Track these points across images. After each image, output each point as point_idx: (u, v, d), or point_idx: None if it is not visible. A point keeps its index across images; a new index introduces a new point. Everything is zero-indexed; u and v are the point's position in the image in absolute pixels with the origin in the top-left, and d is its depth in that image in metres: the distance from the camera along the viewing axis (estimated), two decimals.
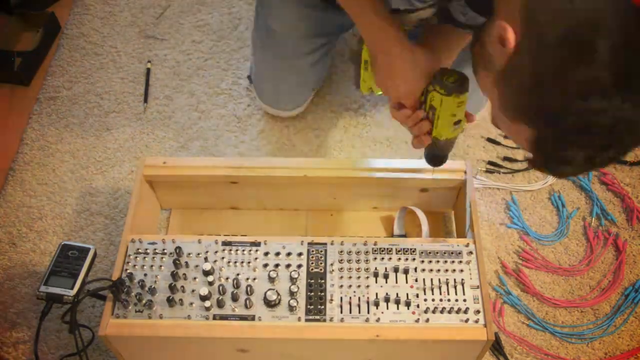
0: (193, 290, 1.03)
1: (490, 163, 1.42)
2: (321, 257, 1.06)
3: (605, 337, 1.20)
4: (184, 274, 1.04)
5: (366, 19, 1.01)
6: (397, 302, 1.02)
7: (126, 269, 1.05)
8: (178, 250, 1.06)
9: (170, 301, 1.01)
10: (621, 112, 0.68)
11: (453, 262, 1.06)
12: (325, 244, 1.08)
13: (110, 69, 1.61)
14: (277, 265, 1.05)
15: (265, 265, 1.05)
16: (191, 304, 1.02)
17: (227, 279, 1.04)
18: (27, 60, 1.58)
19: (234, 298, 1.02)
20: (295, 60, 1.36)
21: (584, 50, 0.68)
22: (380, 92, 1.09)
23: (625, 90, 0.68)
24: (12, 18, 1.65)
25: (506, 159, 1.43)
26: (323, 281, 1.04)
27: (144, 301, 1.02)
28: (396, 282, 1.04)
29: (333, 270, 1.05)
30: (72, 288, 1.04)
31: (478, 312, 1.01)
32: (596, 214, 1.34)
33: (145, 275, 1.05)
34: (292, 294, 1.02)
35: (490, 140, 1.46)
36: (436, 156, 1.08)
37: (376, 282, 1.04)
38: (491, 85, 0.81)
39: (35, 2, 1.68)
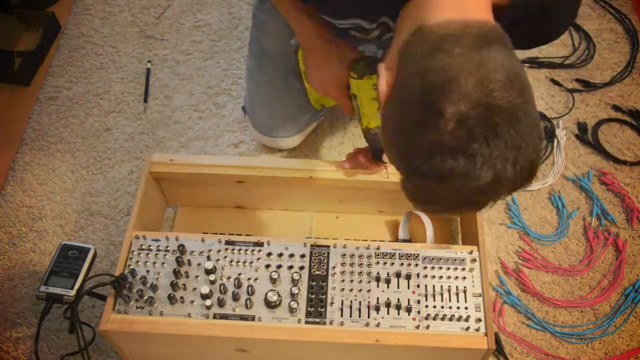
0: (194, 289, 1.03)
1: None
2: (324, 259, 1.06)
3: (605, 337, 1.20)
4: (186, 272, 1.04)
5: (290, 15, 1.08)
6: (398, 307, 1.02)
7: (129, 265, 1.05)
8: (181, 248, 1.06)
9: (171, 298, 1.01)
10: (465, 175, 0.69)
11: (456, 269, 1.06)
12: (328, 246, 1.08)
13: (110, 69, 1.61)
14: (279, 266, 1.05)
15: (268, 266, 1.05)
16: (192, 302, 1.02)
17: (228, 278, 1.04)
18: (27, 60, 1.58)
19: (235, 298, 1.02)
20: (289, 80, 1.32)
21: (432, 115, 0.68)
22: (332, 103, 1.11)
23: (468, 155, 0.68)
24: (12, 18, 1.65)
25: None
26: (324, 284, 1.04)
27: (145, 297, 1.02)
28: (398, 288, 1.04)
29: (335, 273, 1.05)
30: (72, 288, 1.04)
31: (479, 320, 1.01)
32: (596, 214, 1.35)
33: (148, 271, 1.05)
34: (293, 296, 1.02)
35: None
36: (377, 149, 1.09)
37: (378, 286, 1.04)
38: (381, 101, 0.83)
39: (35, 2, 1.68)
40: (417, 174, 0.72)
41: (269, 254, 1.07)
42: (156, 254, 1.07)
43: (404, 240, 1.26)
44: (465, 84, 0.67)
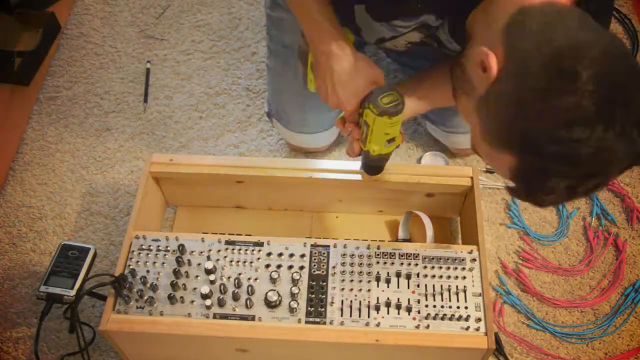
0: (194, 289, 1.03)
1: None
2: (324, 259, 1.06)
3: (605, 337, 1.20)
4: (186, 272, 1.04)
5: (306, 17, 1.00)
6: (398, 307, 1.02)
7: (129, 265, 1.05)
8: (181, 248, 1.06)
9: (171, 298, 1.01)
10: (604, 141, 0.69)
11: (456, 268, 1.06)
12: (328, 246, 1.08)
13: (110, 69, 1.61)
14: (279, 266, 1.05)
15: (268, 266, 1.05)
16: (192, 302, 1.02)
17: (228, 278, 1.04)
18: (27, 60, 1.58)
19: (235, 297, 1.02)
20: None
21: (567, 78, 0.69)
22: None
23: (608, 119, 0.68)
24: (12, 18, 1.64)
25: None
26: (324, 283, 1.04)
27: (145, 297, 1.02)
28: (398, 287, 1.04)
29: (335, 272, 1.05)
30: (72, 288, 1.04)
31: (479, 320, 1.01)
32: (596, 214, 1.35)
33: (148, 271, 1.05)
34: (293, 296, 1.02)
35: None
36: (371, 167, 1.10)
37: (378, 286, 1.04)
38: (472, 110, 0.81)
39: (35, 2, 1.67)
40: (548, 145, 0.70)
41: (269, 254, 1.07)
42: (156, 254, 1.07)
43: (404, 240, 1.26)
44: (592, 51, 0.69)
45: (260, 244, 1.08)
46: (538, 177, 0.75)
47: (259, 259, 1.06)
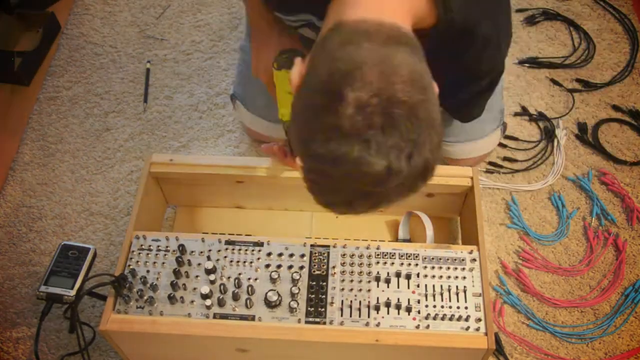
0: (194, 289, 1.03)
1: (491, 163, 1.42)
2: (324, 259, 1.06)
3: (605, 337, 1.20)
4: (186, 272, 1.04)
5: (252, 4, 1.10)
6: (398, 307, 1.02)
7: (129, 265, 1.05)
8: (181, 248, 1.06)
9: (171, 298, 1.01)
10: (359, 162, 0.70)
11: (456, 268, 1.05)
12: (328, 246, 1.08)
13: (110, 69, 1.61)
14: (279, 266, 1.05)
15: (268, 266, 1.05)
16: (192, 302, 1.02)
17: (228, 278, 1.04)
18: (27, 60, 1.58)
19: (235, 297, 1.02)
20: None
21: (333, 99, 0.70)
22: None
23: (362, 142, 0.69)
24: (12, 18, 1.65)
25: (506, 159, 1.43)
26: (324, 284, 1.04)
27: (145, 297, 1.02)
28: (398, 287, 1.04)
29: (335, 273, 1.05)
30: (72, 288, 1.04)
31: (479, 320, 1.01)
32: (596, 214, 1.35)
33: (148, 271, 1.05)
34: (293, 296, 1.02)
35: None
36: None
37: (378, 286, 1.04)
38: None
39: (35, 2, 1.68)
40: (314, 158, 0.73)
41: (269, 254, 1.07)
42: (156, 254, 1.07)
43: (404, 240, 1.26)
44: (369, 73, 0.70)
45: (260, 244, 1.08)
46: (315, 188, 0.78)
47: (259, 259, 1.06)
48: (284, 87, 1.01)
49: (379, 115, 0.69)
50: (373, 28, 0.75)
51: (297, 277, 1.04)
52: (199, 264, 1.05)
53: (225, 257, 1.06)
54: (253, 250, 1.07)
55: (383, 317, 1.01)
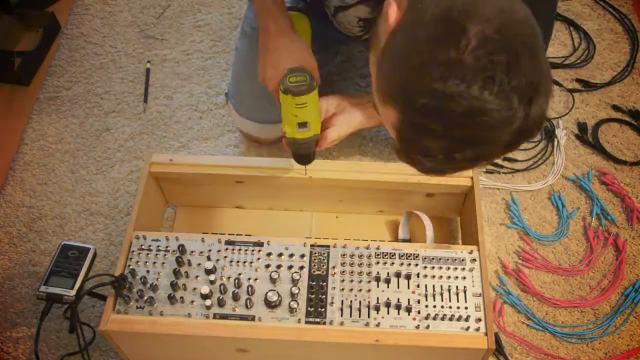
0: (194, 289, 1.03)
1: (491, 163, 1.42)
2: (324, 259, 1.06)
3: (605, 337, 1.20)
4: (186, 272, 1.04)
5: (261, 5, 1.03)
6: (398, 307, 1.02)
7: (129, 265, 1.05)
8: (181, 248, 1.06)
9: (171, 298, 1.01)
10: (478, 101, 0.64)
11: (456, 268, 1.05)
12: (328, 246, 1.08)
13: (110, 69, 1.61)
14: (279, 266, 1.05)
15: (267, 266, 1.05)
16: (192, 302, 1.02)
17: (228, 278, 1.04)
18: (27, 60, 1.58)
19: (235, 298, 1.02)
20: None
21: (453, 32, 0.65)
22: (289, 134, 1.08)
23: (485, 79, 0.64)
24: (12, 18, 1.65)
25: (506, 159, 1.43)
26: (324, 284, 1.04)
27: (145, 297, 1.02)
28: (398, 287, 1.04)
29: (335, 273, 1.05)
30: (72, 288, 1.04)
31: (479, 320, 1.00)
32: (596, 214, 1.35)
33: (148, 271, 1.05)
34: (293, 296, 1.02)
35: None
36: (293, 154, 1.09)
37: (378, 286, 1.04)
38: (373, 65, 0.79)
39: (35, 2, 1.68)
40: (427, 95, 0.66)
41: (269, 254, 1.07)
42: (156, 254, 1.07)
43: (404, 240, 1.26)
44: (487, 10, 0.65)
45: (260, 244, 1.08)
46: (414, 135, 0.71)
47: (259, 259, 1.06)
48: (290, 109, 0.99)
49: (503, 52, 0.64)
50: None
51: (297, 277, 1.04)
52: (199, 264, 1.05)
53: (225, 257, 1.06)
54: (253, 250, 1.07)
55: (383, 317, 1.01)
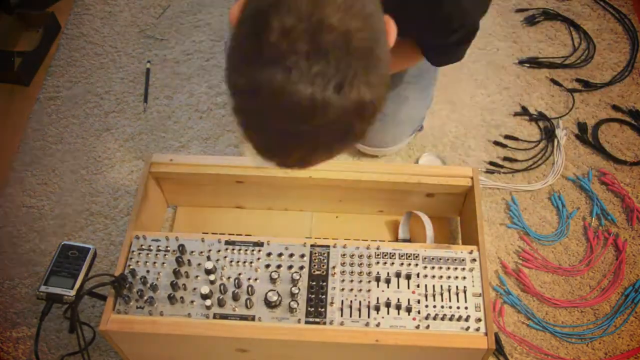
0: (194, 289, 1.03)
1: (491, 163, 1.42)
2: (324, 259, 1.06)
3: (605, 337, 1.20)
4: (186, 272, 1.04)
5: None
6: (398, 307, 1.02)
7: (129, 265, 1.05)
8: (181, 248, 1.06)
9: (171, 299, 1.01)
10: (282, 88, 0.63)
11: (456, 268, 1.05)
12: (328, 246, 1.08)
13: (110, 69, 1.61)
14: (279, 266, 1.05)
15: (267, 266, 1.05)
16: (192, 302, 1.02)
17: (228, 278, 1.04)
18: (27, 60, 1.58)
19: (235, 298, 1.02)
20: None
21: (259, 27, 0.65)
22: None
23: (285, 67, 0.63)
24: (12, 18, 1.65)
25: (506, 159, 1.43)
26: (324, 284, 1.04)
27: (145, 297, 1.02)
28: (398, 288, 1.04)
29: (335, 273, 1.05)
30: (72, 288, 1.04)
31: (479, 320, 1.01)
32: (596, 214, 1.35)
33: (148, 271, 1.05)
34: (292, 296, 1.02)
35: (490, 141, 1.46)
36: None
37: (378, 286, 1.04)
38: None
39: (35, 2, 1.68)
40: (237, 92, 0.68)
41: (269, 254, 1.07)
42: (156, 254, 1.07)
43: (404, 240, 1.26)
44: (301, 2, 0.63)
45: (260, 244, 1.08)
46: (242, 126, 0.72)
47: (258, 259, 1.06)
48: None
49: (305, 40, 0.63)
50: None
51: (297, 277, 1.04)
52: (199, 264, 1.05)
53: (225, 257, 1.06)
54: (253, 251, 1.07)
55: (383, 318, 1.01)
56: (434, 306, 1.02)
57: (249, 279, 1.04)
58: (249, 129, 0.71)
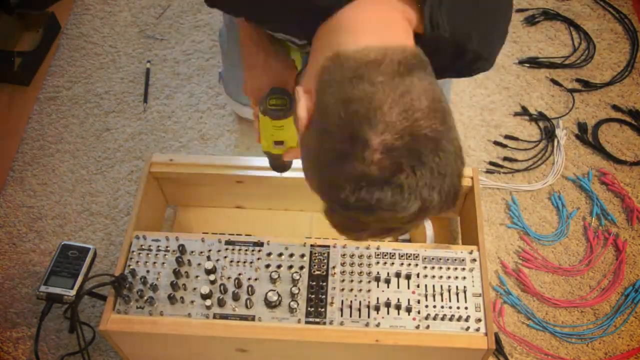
0: (195, 289, 1.03)
1: (491, 163, 1.42)
2: (324, 259, 1.06)
3: (605, 337, 1.20)
4: (186, 272, 1.04)
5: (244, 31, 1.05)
6: (398, 307, 1.02)
7: (129, 265, 1.05)
8: (181, 248, 1.06)
9: (171, 298, 1.01)
10: (392, 205, 0.67)
11: (456, 269, 1.05)
12: (328, 246, 1.08)
13: (110, 69, 1.61)
14: (279, 266, 1.05)
15: (267, 266, 1.05)
16: (192, 302, 1.02)
17: (228, 278, 1.04)
18: (27, 60, 1.58)
19: (235, 298, 1.02)
20: None
21: (357, 144, 0.67)
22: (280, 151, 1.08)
23: (394, 187, 0.67)
24: (12, 18, 1.65)
25: (506, 159, 1.43)
26: (324, 284, 1.04)
27: (145, 297, 1.02)
28: (398, 288, 1.04)
29: (335, 273, 1.05)
30: (72, 288, 1.04)
31: (479, 320, 1.01)
32: (596, 214, 1.35)
33: (148, 271, 1.05)
34: (293, 296, 1.02)
35: (490, 141, 1.46)
36: (270, 163, 1.09)
37: (378, 286, 1.04)
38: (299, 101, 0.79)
39: (35, 2, 1.68)
40: (342, 206, 0.70)
41: (269, 254, 1.07)
42: (156, 254, 1.07)
43: (404, 240, 1.26)
44: (389, 113, 0.66)
45: (260, 244, 1.08)
46: (346, 222, 0.74)
47: (259, 259, 1.06)
48: (267, 128, 1.00)
49: (407, 156, 0.66)
50: (380, 56, 0.69)
51: (297, 277, 1.04)
52: (199, 264, 1.05)
53: (225, 257, 1.06)
54: (253, 250, 1.07)
55: (383, 318, 1.01)
56: (434, 306, 1.02)
57: (249, 279, 1.04)
58: (347, 227, 0.74)
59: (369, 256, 1.06)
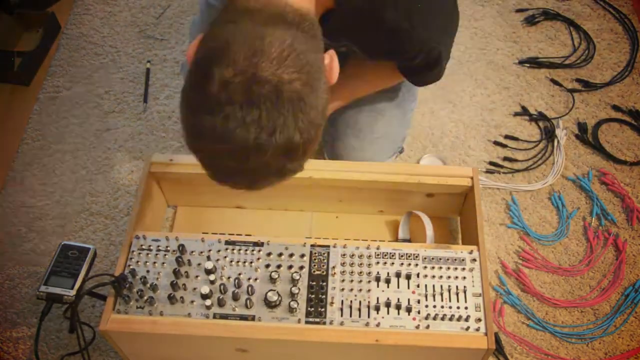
0: (194, 289, 1.03)
1: (491, 163, 1.42)
2: (324, 259, 1.06)
3: (605, 337, 1.20)
4: (186, 272, 1.04)
5: None
6: (398, 307, 1.02)
7: (129, 265, 1.05)
8: (181, 248, 1.06)
9: (171, 298, 1.01)
10: (222, 133, 0.72)
11: (456, 268, 1.05)
12: (328, 246, 1.08)
13: (110, 69, 1.61)
14: (279, 266, 1.05)
15: (267, 266, 1.05)
16: (192, 302, 1.02)
17: (228, 278, 1.04)
18: (27, 60, 1.58)
19: (235, 297, 1.02)
20: None
21: (204, 78, 0.73)
22: None
23: (225, 115, 0.72)
24: (12, 18, 1.65)
25: (506, 159, 1.43)
26: (324, 284, 1.04)
27: (145, 297, 1.02)
28: (398, 287, 1.04)
29: (335, 273, 1.05)
30: (72, 288, 1.04)
31: (479, 320, 1.01)
32: (596, 214, 1.35)
33: (148, 271, 1.05)
34: (292, 296, 1.02)
35: (490, 141, 1.46)
36: None
37: (378, 286, 1.04)
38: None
39: (35, 2, 1.68)
40: (186, 134, 0.77)
41: (269, 254, 1.07)
42: (156, 254, 1.07)
43: (404, 240, 1.26)
44: (237, 52, 0.72)
45: (260, 244, 1.08)
46: (197, 155, 0.82)
47: (258, 259, 1.06)
48: None
49: (240, 92, 0.71)
50: (258, 7, 0.76)
51: (297, 277, 1.04)
52: (199, 264, 1.05)
53: (225, 257, 1.06)
54: (253, 250, 1.07)
55: (383, 317, 1.01)
56: (434, 306, 1.02)
57: (249, 278, 1.04)
58: (199, 161, 0.82)
59: (369, 256, 1.06)
